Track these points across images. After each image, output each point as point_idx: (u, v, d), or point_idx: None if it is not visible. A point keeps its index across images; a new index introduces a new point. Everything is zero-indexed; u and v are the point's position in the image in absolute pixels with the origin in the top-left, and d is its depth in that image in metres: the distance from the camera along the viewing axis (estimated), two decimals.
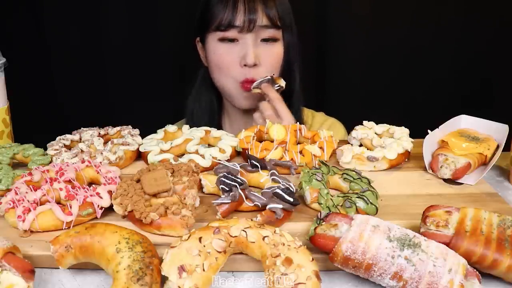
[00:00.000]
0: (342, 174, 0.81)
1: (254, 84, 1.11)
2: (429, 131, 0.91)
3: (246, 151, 0.92)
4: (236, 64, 1.15)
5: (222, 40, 1.14)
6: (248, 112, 1.25)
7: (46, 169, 0.80)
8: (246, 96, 1.18)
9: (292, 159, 0.89)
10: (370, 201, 0.72)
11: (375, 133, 0.98)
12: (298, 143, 0.97)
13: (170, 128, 1.00)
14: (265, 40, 1.14)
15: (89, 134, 0.97)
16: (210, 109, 1.29)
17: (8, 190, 0.77)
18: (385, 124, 1.01)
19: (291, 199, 0.72)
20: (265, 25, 1.12)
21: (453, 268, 0.56)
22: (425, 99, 1.70)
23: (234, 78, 1.16)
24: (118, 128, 1.00)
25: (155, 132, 1.00)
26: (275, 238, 0.61)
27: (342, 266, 0.60)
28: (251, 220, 0.65)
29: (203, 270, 0.57)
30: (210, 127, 1.01)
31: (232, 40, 1.14)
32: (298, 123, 1.01)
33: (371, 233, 0.59)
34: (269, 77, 1.11)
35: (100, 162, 0.86)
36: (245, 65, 1.13)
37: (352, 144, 0.97)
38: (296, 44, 1.21)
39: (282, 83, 1.13)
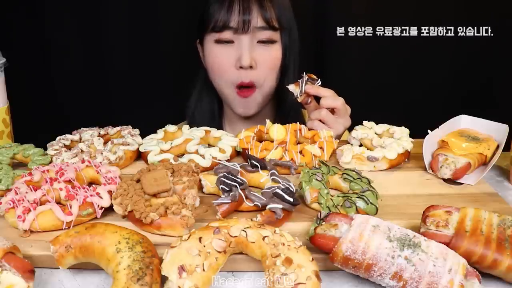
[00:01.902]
0: (342, 174, 0.81)
1: (296, 92, 1.04)
2: (429, 131, 0.91)
3: (246, 151, 0.92)
4: (232, 67, 1.13)
5: (218, 41, 1.13)
6: (247, 117, 1.24)
7: (46, 169, 0.80)
8: (244, 103, 1.17)
9: (292, 159, 0.89)
10: (370, 201, 0.72)
11: (375, 133, 0.98)
12: (298, 143, 0.97)
13: (170, 128, 1.00)
14: (262, 42, 1.12)
15: (89, 134, 0.97)
16: (211, 111, 1.28)
17: (8, 190, 0.77)
18: (385, 124, 1.01)
19: (291, 199, 0.72)
20: (261, 27, 1.10)
21: (453, 268, 0.56)
22: (425, 99, 1.70)
23: (230, 81, 1.15)
24: (118, 128, 1.00)
25: (155, 132, 1.00)
26: (275, 238, 0.61)
27: (342, 266, 0.60)
28: (251, 220, 0.65)
29: (203, 270, 0.57)
30: None
31: (228, 42, 1.12)
32: (298, 123, 1.01)
33: (371, 233, 0.59)
34: (305, 77, 1.04)
35: (100, 162, 0.86)
36: (240, 67, 1.11)
37: (352, 144, 0.97)
38: (295, 44, 1.20)
39: (316, 77, 1.06)
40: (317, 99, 1.05)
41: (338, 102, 1.03)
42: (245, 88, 1.15)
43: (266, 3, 1.11)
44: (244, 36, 1.11)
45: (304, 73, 1.06)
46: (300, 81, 1.04)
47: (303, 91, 1.03)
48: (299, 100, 1.04)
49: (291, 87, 1.04)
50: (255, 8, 1.10)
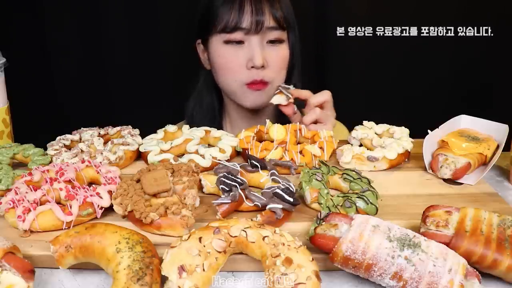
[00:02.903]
0: (342, 174, 0.81)
1: (283, 99, 1.05)
2: (429, 131, 0.91)
3: (246, 151, 0.92)
4: (243, 67, 1.12)
5: (228, 42, 1.12)
6: (250, 113, 1.24)
7: (46, 169, 0.80)
8: (254, 95, 1.16)
9: (292, 159, 0.89)
10: (370, 201, 0.72)
11: (375, 133, 0.98)
12: (298, 143, 0.97)
13: (170, 128, 1.00)
14: (271, 41, 1.12)
15: (89, 134, 0.97)
16: (211, 111, 1.28)
17: (8, 190, 0.77)
18: (385, 124, 1.01)
19: (291, 199, 0.72)
20: (272, 27, 1.10)
21: (453, 268, 0.56)
22: (425, 99, 1.70)
23: (240, 80, 1.14)
24: (118, 128, 1.00)
25: (155, 132, 1.00)
26: (275, 238, 0.61)
27: (342, 266, 0.60)
28: (251, 220, 0.65)
29: (203, 270, 0.57)
30: None
31: (238, 42, 1.12)
32: (298, 123, 1.01)
33: (371, 233, 0.59)
34: (286, 86, 1.07)
35: (100, 162, 0.86)
36: (252, 67, 1.11)
37: (352, 144, 0.97)
38: (298, 44, 1.21)
39: (287, 85, 1.10)
40: (298, 105, 1.07)
41: (326, 94, 1.05)
42: (257, 83, 1.14)
43: (275, 3, 1.10)
44: (254, 37, 1.10)
45: (280, 84, 1.09)
46: (280, 89, 1.06)
47: (290, 95, 1.05)
48: (288, 103, 1.06)
49: (276, 99, 1.06)
50: (266, 8, 1.09)
